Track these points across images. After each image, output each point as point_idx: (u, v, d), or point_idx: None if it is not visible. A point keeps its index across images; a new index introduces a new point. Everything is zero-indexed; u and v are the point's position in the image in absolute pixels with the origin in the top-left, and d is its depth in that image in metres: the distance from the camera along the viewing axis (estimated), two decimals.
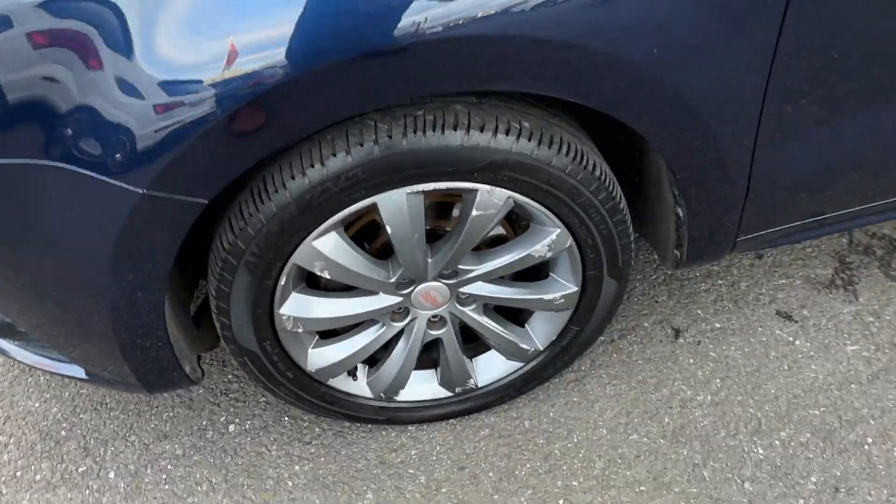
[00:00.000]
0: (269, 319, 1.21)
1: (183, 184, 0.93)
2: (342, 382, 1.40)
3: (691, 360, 1.63)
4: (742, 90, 1.06)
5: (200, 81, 0.86)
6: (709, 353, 1.64)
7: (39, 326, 1.16)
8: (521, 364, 1.46)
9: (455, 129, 1.02)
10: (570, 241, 1.21)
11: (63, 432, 1.59)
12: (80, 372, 1.28)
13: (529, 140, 1.05)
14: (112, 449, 1.54)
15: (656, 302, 1.77)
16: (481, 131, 1.03)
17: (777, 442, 1.45)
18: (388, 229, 1.11)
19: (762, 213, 1.29)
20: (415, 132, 1.01)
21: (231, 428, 1.57)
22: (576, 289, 1.31)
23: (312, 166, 1.02)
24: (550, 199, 1.13)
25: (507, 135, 1.04)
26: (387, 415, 1.47)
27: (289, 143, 0.97)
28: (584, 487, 1.40)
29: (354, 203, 1.07)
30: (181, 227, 0.99)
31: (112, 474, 1.50)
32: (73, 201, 0.93)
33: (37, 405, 1.65)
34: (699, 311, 1.73)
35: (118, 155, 0.89)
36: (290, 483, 1.45)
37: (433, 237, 1.26)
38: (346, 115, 0.98)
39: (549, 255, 1.22)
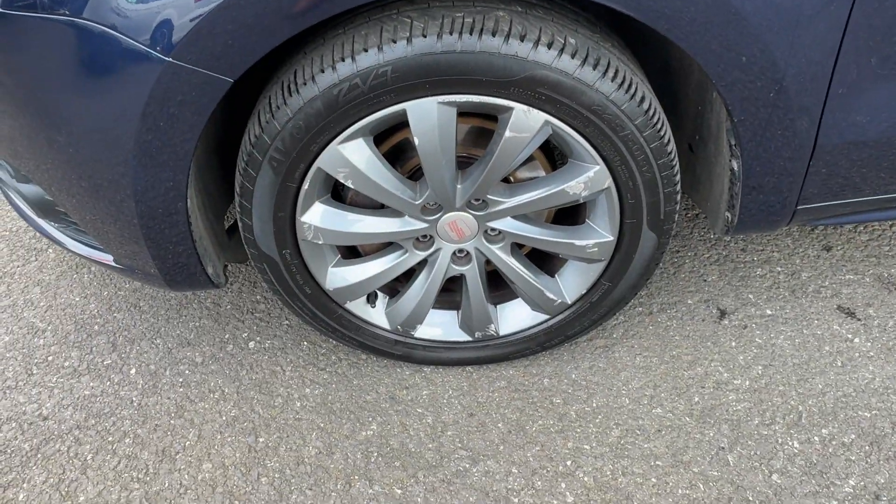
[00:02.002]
0: (291, 227, 1.20)
1: (209, 57, 0.92)
2: (360, 308, 1.38)
3: (734, 344, 1.51)
4: (819, 21, 0.95)
5: None
6: (754, 338, 1.52)
7: (72, 205, 1.19)
8: (545, 317, 1.39)
9: (494, 35, 0.96)
10: (608, 182, 1.14)
11: (96, 327, 1.64)
12: (109, 259, 1.31)
13: (573, 57, 0.99)
14: (137, 348, 1.58)
15: (704, 280, 1.66)
16: (521, 41, 0.97)
17: (816, 438, 1.32)
18: (416, 140, 1.07)
19: (830, 180, 1.17)
20: (451, 33, 0.96)
21: (251, 344, 1.58)
22: (611, 238, 1.23)
23: (343, 60, 0.99)
24: (591, 128, 1.06)
25: (549, 48, 0.98)
26: (402, 350, 1.44)
27: (313, 22, 0.93)
28: (595, 452, 1.32)
29: (383, 108, 1.03)
30: (206, 105, 0.98)
31: (133, 371, 1.53)
32: (103, 63, 0.93)
33: (77, 299, 1.72)
34: (750, 296, 1.61)
35: (146, 19, 0.88)
36: (298, 404, 1.44)
37: (466, 164, 1.21)
38: None
39: (584, 194, 1.15)
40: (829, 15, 0.96)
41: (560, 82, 1.00)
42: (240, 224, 1.21)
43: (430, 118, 1.04)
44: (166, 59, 0.91)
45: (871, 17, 0.95)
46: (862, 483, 1.25)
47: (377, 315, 1.40)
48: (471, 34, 0.96)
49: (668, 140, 1.10)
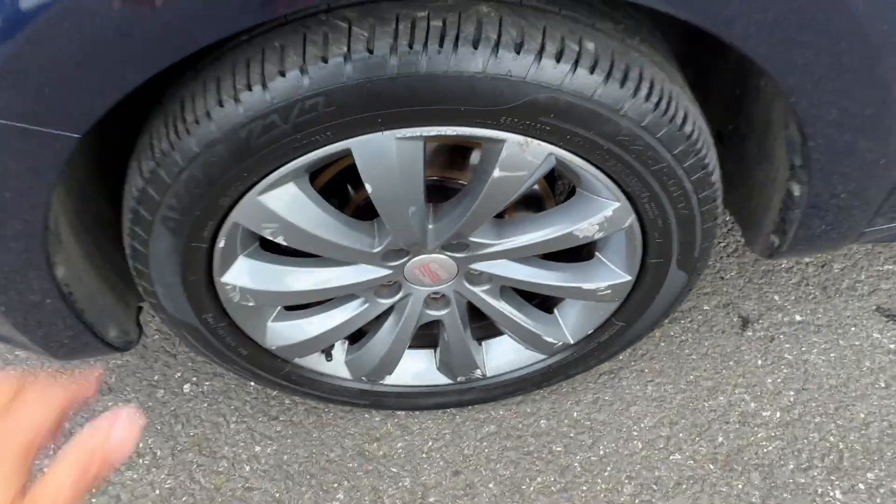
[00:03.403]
0: (210, 289, 0.90)
1: (31, 110, 0.59)
2: (313, 361, 1.11)
3: (760, 362, 1.29)
4: None
5: None
6: (783, 353, 1.29)
7: None
8: (543, 356, 1.14)
9: (475, 45, 0.64)
10: (630, 220, 0.85)
11: None
12: None
13: (592, 71, 0.67)
14: None
15: (722, 279, 1.41)
16: (517, 51, 0.65)
17: (862, 486, 1.13)
18: (369, 188, 0.76)
19: None
20: (411, 46, 0.63)
21: (186, 388, 1.30)
22: (629, 279, 0.96)
23: (250, 88, 0.66)
24: (613, 161, 0.76)
25: (558, 60, 0.66)
26: (370, 399, 1.19)
27: (186, 54, 0.60)
28: None
29: (315, 148, 0.72)
30: (49, 169, 0.65)
31: None
32: None
33: None
34: (776, 297, 1.37)
35: None
36: (247, 468, 1.20)
37: (442, 191, 0.91)
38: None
39: (598, 235, 0.87)
40: None
41: (573, 107, 0.69)
42: (139, 288, 0.91)
43: (385, 158, 0.73)
44: None
45: None
46: None
47: (336, 367, 1.13)
48: (440, 45, 0.63)
49: (714, 169, 0.81)
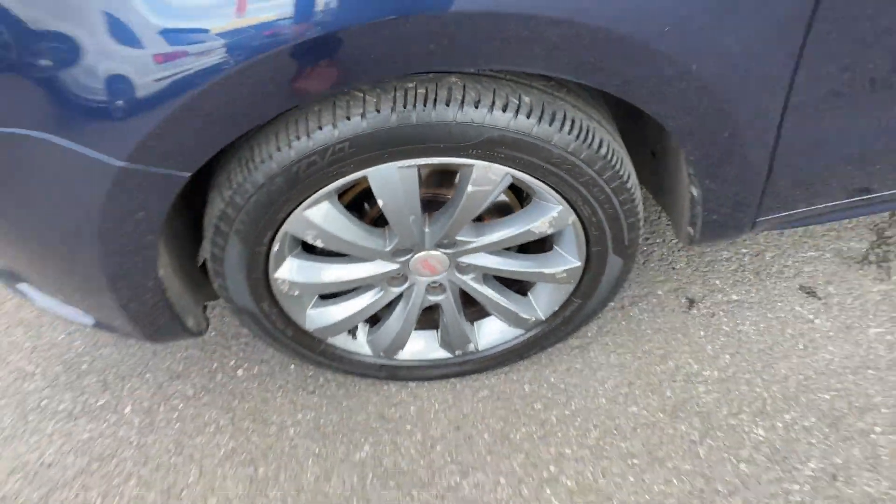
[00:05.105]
0: (266, 282, 1.22)
1: (162, 156, 0.91)
2: (342, 340, 1.42)
3: (702, 333, 1.58)
4: (768, 68, 0.96)
5: (174, 56, 0.83)
6: (721, 326, 1.59)
7: (47, 283, 1.19)
8: (522, 331, 1.44)
9: (447, 104, 0.96)
10: (572, 219, 1.16)
11: (84, 366, 1.67)
12: (89, 320, 1.33)
13: (529, 116, 0.99)
14: (129, 385, 1.62)
15: (673, 269, 1.71)
16: (476, 107, 0.97)
17: (780, 424, 1.42)
18: (381, 202, 1.08)
19: (784, 196, 1.21)
20: (404, 106, 0.95)
21: (239, 372, 1.62)
22: (578, 264, 1.26)
23: (298, 139, 0.98)
24: (552, 177, 1.07)
25: (504, 111, 0.98)
26: (387, 372, 1.49)
27: (270, 118, 0.93)
28: (576, 455, 1.41)
29: (343, 176, 1.04)
30: (165, 199, 0.98)
31: (128, 409, 1.58)
32: (55, 172, 0.92)
33: (61, 337, 1.73)
34: (717, 282, 1.67)
35: (94, 125, 0.87)
36: (291, 431, 1.51)
37: (435, 204, 1.22)
38: (354, 84, 0.92)
39: (550, 231, 1.18)
40: (777, 56, 0.97)
41: (518, 141, 1.00)
42: (215, 284, 1.23)
43: (391, 182, 1.05)
44: (120, 163, 0.90)
45: (821, 58, 0.96)
46: (821, 465, 1.35)
47: (359, 344, 1.44)
48: (424, 106, 0.96)
49: (628, 177, 1.12)
